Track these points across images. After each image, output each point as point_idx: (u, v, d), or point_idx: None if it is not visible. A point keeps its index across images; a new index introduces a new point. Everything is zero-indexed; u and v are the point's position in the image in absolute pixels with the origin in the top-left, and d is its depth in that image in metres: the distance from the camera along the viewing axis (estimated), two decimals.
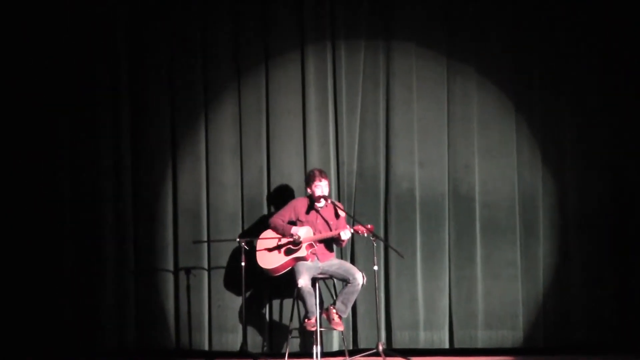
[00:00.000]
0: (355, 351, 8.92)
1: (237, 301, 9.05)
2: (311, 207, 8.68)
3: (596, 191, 9.17)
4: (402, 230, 9.20)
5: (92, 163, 9.26)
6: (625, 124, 9.20)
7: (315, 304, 8.38)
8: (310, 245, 8.57)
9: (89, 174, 9.26)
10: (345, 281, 8.45)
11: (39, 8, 9.32)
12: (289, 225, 8.61)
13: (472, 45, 9.28)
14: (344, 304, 8.41)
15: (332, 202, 8.68)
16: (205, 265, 9.21)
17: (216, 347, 9.16)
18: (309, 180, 8.63)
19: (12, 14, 9.31)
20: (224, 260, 9.21)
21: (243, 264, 8.58)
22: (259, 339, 9.11)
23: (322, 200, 8.62)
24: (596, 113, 9.22)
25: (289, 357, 8.62)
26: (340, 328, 8.43)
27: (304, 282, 8.28)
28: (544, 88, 9.25)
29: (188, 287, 9.20)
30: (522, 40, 9.27)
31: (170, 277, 9.22)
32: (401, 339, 9.13)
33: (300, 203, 8.73)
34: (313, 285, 8.41)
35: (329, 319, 8.40)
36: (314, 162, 9.12)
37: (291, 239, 8.55)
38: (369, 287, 8.65)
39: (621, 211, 9.15)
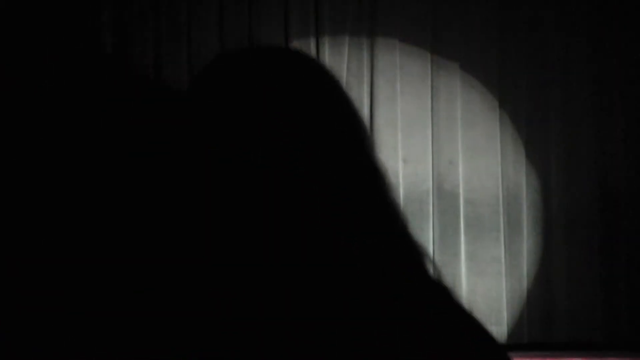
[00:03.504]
0: None
1: None
2: None
3: (581, 188, 9.20)
4: None
5: None
6: (611, 121, 9.25)
7: None
8: None
9: None
10: None
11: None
12: None
13: (457, 41, 9.29)
14: None
15: None
16: None
17: None
18: None
19: None
20: None
21: None
22: None
23: None
24: (582, 110, 9.26)
25: None
26: None
27: None
28: (528, 85, 9.27)
29: None
30: (507, 37, 9.30)
31: None
32: None
33: None
34: None
35: None
36: None
37: None
38: None
39: (606, 208, 9.19)
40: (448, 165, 9.27)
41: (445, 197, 9.26)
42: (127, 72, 1.20)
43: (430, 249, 9.21)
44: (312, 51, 9.27)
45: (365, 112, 9.30)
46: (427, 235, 9.20)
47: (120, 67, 1.21)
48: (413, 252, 1.24)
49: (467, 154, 9.29)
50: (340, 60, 9.31)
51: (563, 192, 9.22)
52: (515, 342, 9.17)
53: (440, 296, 1.25)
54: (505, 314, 9.18)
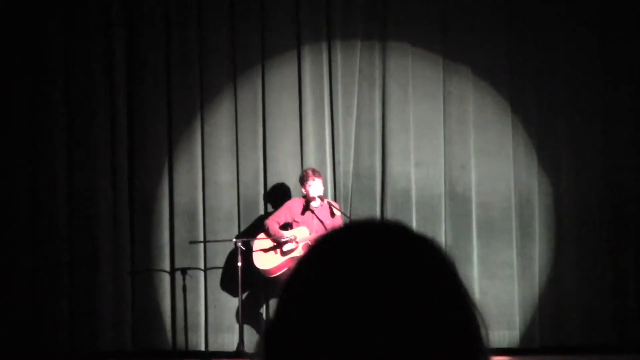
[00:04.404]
0: None
1: (233, 301, 9.04)
2: (306, 208, 8.67)
3: (591, 192, 9.19)
4: None
5: (88, 164, 9.24)
6: (620, 125, 9.24)
7: None
8: (307, 245, 8.56)
9: (85, 175, 9.23)
10: None
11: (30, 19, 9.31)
12: (280, 231, 8.58)
13: (468, 45, 9.29)
14: None
15: (328, 202, 8.69)
16: (202, 266, 9.20)
17: (212, 347, 9.14)
18: (303, 179, 8.64)
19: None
20: (220, 261, 9.20)
21: (240, 264, 8.57)
22: (255, 338, 9.09)
23: (317, 199, 8.63)
24: (592, 114, 9.25)
25: None
26: None
27: None
28: (539, 89, 9.27)
29: (184, 288, 9.19)
30: (518, 41, 9.30)
31: (167, 278, 9.21)
32: None
33: (296, 204, 8.73)
34: None
35: None
36: (310, 163, 9.11)
37: (286, 241, 8.54)
38: None
39: (616, 211, 9.18)
40: (460, 168, 9.27)
41: (457, 201, 9.25)
42: None
43: None
44: (324, 55, 9.28)
45: (377, 116, 9.32)
46: (439, 239, 9.16)
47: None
48: None
49: (479, 158, 9.29)
50: (353, 63, 9.32)
51: (574, 195, 9.21)
52: (528, 346, 9.16)
53: None
54: (517, 318, 9.17)
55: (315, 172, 8.62)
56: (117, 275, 9.17)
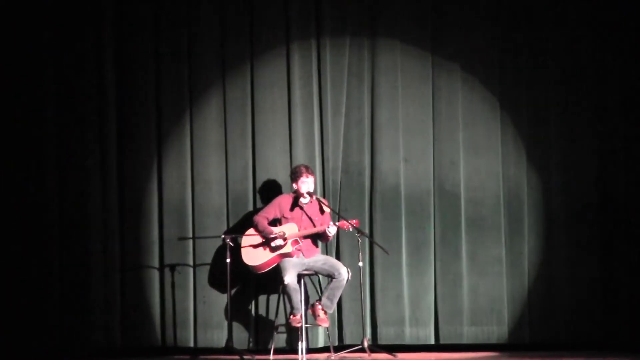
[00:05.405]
0: (340, 347, 8.93)
1: (222, 298, 9.05)
2: (295, 204, 8.68)
3: (581, 187, 9.21)
4: (388, 227, 9.21)
5: (78, 160, 9.22)
6: (610, 121, 9.25)
7: (301, 300, 8.38)
8: (296, 242, 8.58)
9: (74, 171, 9.22)
10: (331, 277, 8.46)
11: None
12: (269, 227, 8.59)
13: (458, 42, 9.31)
14: (330, 299, 8.42)
15: (317, 199, 8.69)
16: (191, 262, 9.20)
17: (201, 343, 9.15)
18: (296, 176, 8.64)
19: None
20: (209, 257, 9.20)
21: (228, 260, 8.58)
22: (244, 335, 9.10)
23: (306, 196, 8.63)
24: (581, 110, 9.27)
25: (274, 353, 8.61)
26: (326, 324, 8.43)
27: (289, 278, 8.28)
28: (529, 85, 9.29)
29: (173, 284, 9.19)
30: (507, 38, 9.32)
31: (156, 274, 9.20)
32: (387, 335, 9.14)
33: (285, 200, 8.74)
34: (298, 281, 8.42)
35: (315, 315, 8.41)
36: (299, 159, 9.12)
37: (275, 237, 8.54)
38: (354, 283, 8.66)
39: (606, 208, 9.19)
40: (449, 165, 9.28)
41: (446, 197, 9.26)
42: None
43: (431, 248, 9.22)
44: (313, 52, 9.29)
45: (366, 112, 9.33)
46: (428, 235, 9.21)
47: None
48: None
49: (468, 154, 9.30)
50: (342, 60, 9.33)
51: (564, 191, 9.23)
52: (517, 342, 9.17)
53: None
54: (506, 314, 9.19)
55: (309, 170, 8.63)
56: (106, 272, 9.16)
